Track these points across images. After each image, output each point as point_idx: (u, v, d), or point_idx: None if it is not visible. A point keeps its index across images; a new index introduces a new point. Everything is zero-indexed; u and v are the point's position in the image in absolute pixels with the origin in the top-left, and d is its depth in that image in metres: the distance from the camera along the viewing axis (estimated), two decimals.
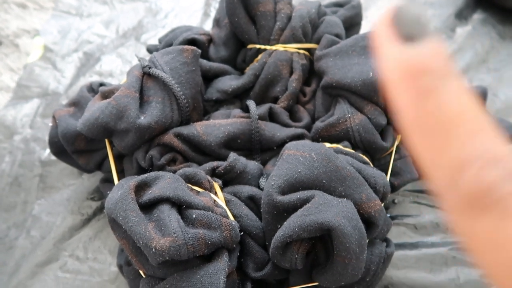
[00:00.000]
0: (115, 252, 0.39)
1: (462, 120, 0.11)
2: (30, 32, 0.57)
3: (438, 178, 0.11)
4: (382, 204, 0.32)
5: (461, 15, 0.53)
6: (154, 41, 0.54)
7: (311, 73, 0.41)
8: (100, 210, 0.41)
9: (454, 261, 0.36)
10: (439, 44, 0.11)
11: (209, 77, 0.41)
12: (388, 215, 0.40)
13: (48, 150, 0.45)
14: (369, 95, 0.35)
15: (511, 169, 0.10)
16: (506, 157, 0.10)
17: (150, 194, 0.29)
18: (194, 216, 0.28)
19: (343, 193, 0.30)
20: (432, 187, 0.11)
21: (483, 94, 0.41)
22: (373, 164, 0.36)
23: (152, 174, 0.31)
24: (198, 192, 0.31)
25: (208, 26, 0.56)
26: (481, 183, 0.10)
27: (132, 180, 0.29)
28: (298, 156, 0.31)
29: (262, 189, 0.33)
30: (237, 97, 0.41)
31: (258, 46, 0.40)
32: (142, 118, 0.34)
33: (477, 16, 0.53)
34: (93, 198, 0.42)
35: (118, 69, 0.52)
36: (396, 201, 0.40)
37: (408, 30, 0.12)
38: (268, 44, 0.40)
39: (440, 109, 0.11)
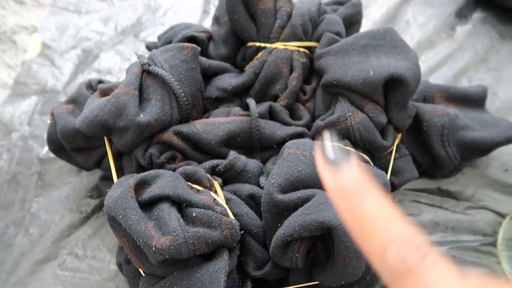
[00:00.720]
0: (114, 250, 0.39)
1: (379, 219, 0.16)
2: (28, 28, 0.56)
3: (374, 260, 0.16)
4: None
5: (461, 14, 0.53)
6: (153, 39, 0.54)
7: (311, 71, 0.41)
8: (99, 208, 0.41)
9: (453, 260, 0.36)
10: (356, 167, 0.17)
11: (208, 75, 0.41)
12: None
13: (46, 148, 0.45)
14: (369, 93, 0.35)
15: (416, 245, 0.15)
16: (413, 237, 0.15)
17: (150, 192, 0.29)
18: (194, 214, 0.28)
19: None
20: (374, 266, 0.16)
21: (483, 94, 0.41)
22: (373, 163, 0.36)
23: (152, 172, 0.30)
24: (198, 190, 0.31)
25: (207, 24, 0.56)
26: (398, 259, 0.15)
27: (132, 178, 0.29)
28: (299, 154, 0.31)
29: (262, 188, 0.33)
30: (237, 95, 0.41)
31: (258, 44, 0.40)
32: (141, 116, 0.33)
33: (477, 15, 0.53)
34: (92, 196, 0.42)
35: (116, 66, 0.52)
36: (396, 200, 0.40)
37: (331, 159, 0.17)
38: (268, 42, 0.40)
39: (363, 214, 0.16)
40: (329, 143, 0.18)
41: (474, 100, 0.41)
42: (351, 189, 0.17)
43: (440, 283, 0.14)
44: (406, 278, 0.15)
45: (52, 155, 0.42)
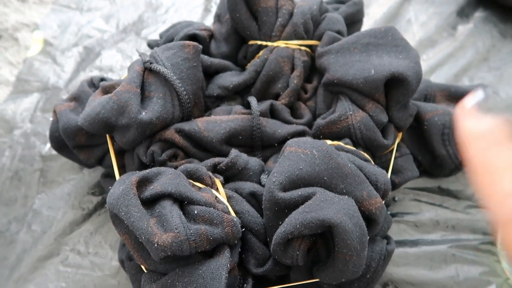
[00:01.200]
0: (116, 247, 0.39)
1: (510, 169, 0.17)
2: (30, 26, 0.56)
3: (490, 202, 0.17)
4: (383, 202, 0.33)
5: (463, 13, 0.53)
6: (155, 36, 0.54)
7: (313, 70, 0.41)
8: (101, 205, 0.41)
9: (453, 258, 0.37)
10: (502, 121, 0.18)
11: (210, 73, 0.41)
12: (389, 212, 0.40)
13: (48, 145, 0.45)
14: (370, 92, 0.35)
15: None
16: None
17: (152, 189, 0.29)
18: (196, 212, 0.28)
19: (344, 190, 0.30)
20: (487, 207, 0.17)
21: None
22: (374, 161, 0.36)
23: (154, 169, 0.31)
24: (200, 188, 0.31)
25: (208, 22, 0.56)
26: None
27: (134, 176, 0.29)
28: (300, 153, 0.31)
29: (263, 186, 0.33)
30: (238, 94, 0.41)
31: (259, 42, 0.40)
32: (143, 113, 0.34)
33: (479, 14, 0.53)
34: (94, 193, 0.42)
35: (118, 64, 0.52)
36: (396, 198, 0.40)
37: (486, 108, 0.19)
38: (270, 41, 0.40)
39: (497, 159, 0.17)
40: (486, 94, 0.20)
41: None
42: (491, 134, 0.18)
43: None
44: None
45: (54, 152, 0.42)
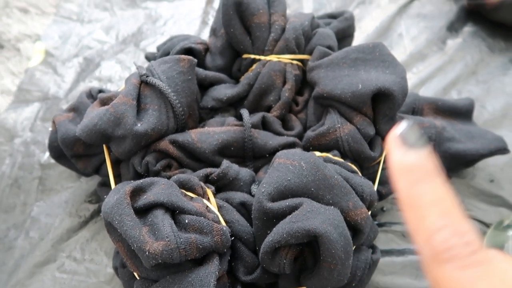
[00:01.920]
0: (111, 254, 0.40)
1: (437, 203, 0.17)
2: (32, 36, 0.58)
3: (418, 239, 0.17)
4: (369, 212, 0.34)
5: (452, 28, 0.55)
6: (153, 48, 0.56)
7: (304, 83, 0.42)
8: (97, 212, 0.43)
9: None
10: (428, 154, 0.18)
11: (205, 85, 0.42)
12: (377, 222, 0.41)
13: (47, 153, 0.46)
14: (358, 106, 0.36)
15: (467, 240, 0.16)
16: (465, 232, 0.16)
17: (145, 199, 0.30)
18: (186, 221, 0.29)
19: (330, 201, 0.31)
20: (415, 243, 0.17)
21: (470, 106, 0.43)
22: (362, 173, 0.38)
23: (147, 179, 0.32)
24: (192, 198, 0.32)
25: (206, 34, 0.58)
26: (444, 246, 0.16)
27: (128, 185, 0.31)
28: (288, 164, 0.32)
29: (253, 196, 0.35)
30: (232, 105, 0.42)
31: (252, 56, 0.41)
32: (139, 125, 0.35)
33: (468, 28, 0.55)
34: (91, 201, 0.43)
35: (117, 74, 0.53)
36: (385, 208, 0.42)
37: (411, 142, 0.19)
38: (263, 55, 0.41)
39: (425, 194, 0.17)
40: (408, 125, 0.20)
41: (462, 113, 0.43)
42: (417, 169, 0.18)
43: (482, 280, 0.15)
44: (446, 265, 0.15)
45: (53, 160, 0.44)
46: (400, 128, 0.20)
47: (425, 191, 0.17)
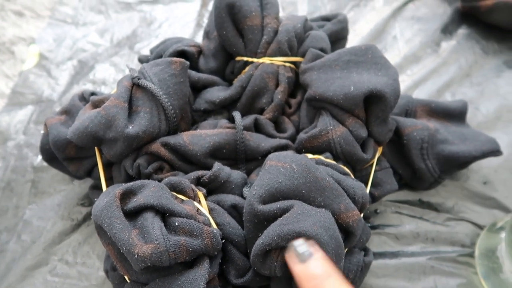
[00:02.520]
0: (103, 257, 0.40)
1: None
2: (26, 39, 0.58)
3: None
4: (362, 214, 0.34)
5: (447, 30, 0.55)
6: (148, 50, 0.55)
7: (297, 85, 0.42)
8: (89, 216, 0.42)
9: (432, 270, 0.37)
10: (321, 258, 0.25)
11: (198, 88, 0.42)
12: (370, 224, 0.41)
13: (40, 156, 0.46)
14: (350, 108, 0.36)
15: None
16: None
17: (135, 202, 0.30)
18: (176, 223, 0.29)
19: (322, 203, 0.31)
20: None
21: (463, 108, 0.43)
22: (354, 175, 0.37)
23: (138, 182, 0.32)
24: (182, 200, 0.32)
25: (200, 37, 0.58)
26: None
27: (118, 188, 0.30)
28: (280, 167, 0.32)
29: (245, 198, 0.34)
30: (225, 108, 0.42)
31: (245, 58, 0.41)
32: (130, 127, 0.35)
33: (462, 31, 0.55)
34: (83, 204, 0.43)
35: (111, 77, 0.53)
36: (378, 211, 0.41)
37: (300, 257, 0.26)
38: (255, 57, 0.41)
39: None
40: (298, 245, 0.26)
41: (455, 115, 0.43)
42: (315, 274, 0.24)
43: None
44: None
45: (45, 163, 0.43)
46: (292, 247, 0.27)
47: None
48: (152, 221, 0.29)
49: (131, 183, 0.31)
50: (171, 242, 0.28)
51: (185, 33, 0.58)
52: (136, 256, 0.27)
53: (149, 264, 0.27)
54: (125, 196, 0.30)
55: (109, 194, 0.30)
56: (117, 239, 0.28)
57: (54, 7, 0.61)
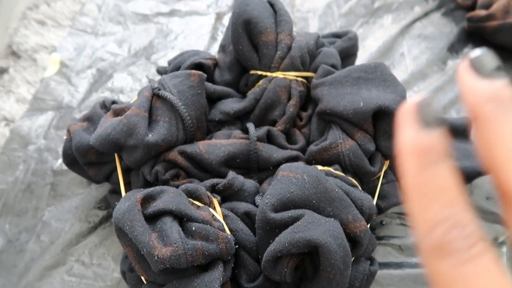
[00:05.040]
0: (118, 259, 0.41)
1: (443, 192, 0.15)
2: (48, 48, 0.60)
3: (418, 229, 0.15)
4: (368, 225, 0.35)
5: (453, 49, 0.57)
6: (164, 61, 0.58)
7: (308, 99, 0.44)
8: (106, 218, 0.44)
9: None
10: (442, 135, 0.16)
11: (213, 99, 0.44)
12: (376, 235, 0.42)
13: (60, 160, 0.48)
14: (359, 123, 0.38)
15: (468, 233, 0.15)
16: (467, 224, 0.15)
17: (155, 206, 0.32)
18: (193, 228, 0.31)
19: (331, 213, 0.33)
20: (413, 234, 0.16)
21: (468, 125, 0.44)
22: (362, 187, 0.39)
23: (157, 188, 0.33)
24: (198, 206, 0.34)
25: (214, 49, 0.60)
26: (444, 239, 0.15)
27: (139, 193, 0.32)
28: (291, 177, 0.34)
29: (257, 206, 0.36)
30: (238, 119, 0.44)
31: (259, 72, 0.43)
32: (150, 136, 0.37)
33: (468, 50, 0.56)
34: (100, 207, 0.45)
35: (128, 86, 0.55)
36: (384, 222, 0.43)
37: (426, 119, 0.16)
38: (269, 71, 0.43)
39: (431, 181, 0.15)
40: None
41: (460, 131, 0.44)
42: (432, 151, 0.16)
43: (479, 277, 0.14)
44: (445, 261, 0.14)
45: (64, 167, 0.45)
46: (419, 101, 0.17)
47: (434, 177, 0.15)
48: (170, 225, 0.30)
49: (151, 189, 0.33)
50: (188, 246, 0.29)
51: (200, 45, 0.60)
52: (155, 258, 0.28)
53: (167, 265, 0.29)
54: (145, 200, 0.32)
55: (130, 198, 0.32)
56: (138, 241, 0.29)
57: (74, 17, 0.64)
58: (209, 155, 0.38)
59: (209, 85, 0.44)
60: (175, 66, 0.46)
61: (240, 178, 0.37)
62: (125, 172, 0.40)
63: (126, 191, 0.39)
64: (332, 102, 0.39)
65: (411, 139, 0.16)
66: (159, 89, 0.39)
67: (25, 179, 0.47)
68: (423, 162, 0.16)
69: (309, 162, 0.40)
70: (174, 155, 0.38)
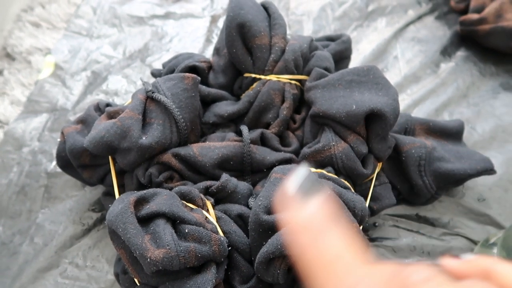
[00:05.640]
0: (112, 261, 0.41)
1: (339, 260, 0.15)
2: (42, 50, 0.60)
3: None
4: (361, 227, 0.35)
5: (446, 52, 0.57)
6: (159, 64, 0.58)
7: (301, 102, 0.44)
8: (100, 221, 0.44)
9: None
10: (321, 204, 0.17)
11: (207, 102, 0.45)
12: (368, 237, 0.42)
13: (54, 162, 0.48)
14: (352, 125, 0.38)
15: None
16: (376, 279, 0.15)
17: (148, 209, 0.32)
18: (186, 230, 0.31)
19: None
20: None
21: (460, 128, 0.45)
22: (354, 189, 0.39)
23: (151, 190, 0.34)
24: (192, 208, 0.34)
25: (209, 51, 0.60)
26: None
27: (132, 196, 0.32)
28: (284, 179, 0.34)
29: (251, 208, 0.36)
30: (233, 121, 0.44)
31: (253, 75, 0.44)
32: (143, 138, 0.37)
33: (460, 53, 0.57)
34: (94, 209, 0.45)
35: (123, 88, 0.56)
36: (376, 224, 0.43)
37: (303, 192, 0.17)
38: (263, 74, 0.43)
39: (323, 252, 0.16)
40: (298, 177, 0.18)
41: (452, 133, 0.45)
42: (314, 223, 0.16)
43: None
44: None
45: (58, 169, 0.45)
46: (297, 178, 0.18)
47: (325, 248, 0.16)
48: (163, 228, 0.31)
49: (144, 191, 0.33)
50: (181, 248, 0.29)
51: (195, 47, 0.60)
52: (148, 260, 0.29)
53: (160, 267, 0.29)
54: (139, 203, 0.32)
55: (124, 201, 0.32)
56: (131, 243, 0.30)
57: (69, 19, 0.64)
58: (203, 157, 0.38)
59: (203, 87, 0.44)
60: (169, 68, 0.46)
61: (234, 180, 0.37)
62: (119, 174, 0.40)
63: (120, 193, 0.39)
64: (325, 105, 0.39)
65: (296, 216, 0.17)
66: (153, 92, 0.39)
67: (19, 181, 0.47)
68: (312, 232, 0.16)
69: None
70: (168, 157, 0.38)
